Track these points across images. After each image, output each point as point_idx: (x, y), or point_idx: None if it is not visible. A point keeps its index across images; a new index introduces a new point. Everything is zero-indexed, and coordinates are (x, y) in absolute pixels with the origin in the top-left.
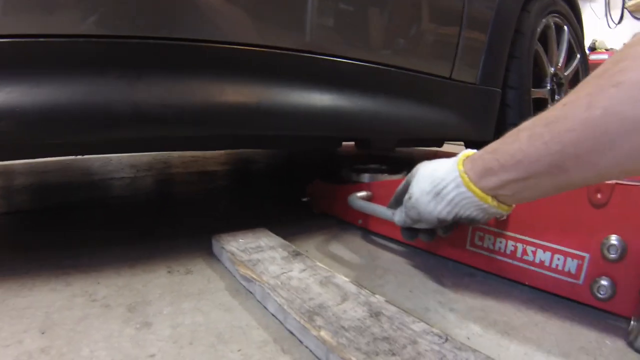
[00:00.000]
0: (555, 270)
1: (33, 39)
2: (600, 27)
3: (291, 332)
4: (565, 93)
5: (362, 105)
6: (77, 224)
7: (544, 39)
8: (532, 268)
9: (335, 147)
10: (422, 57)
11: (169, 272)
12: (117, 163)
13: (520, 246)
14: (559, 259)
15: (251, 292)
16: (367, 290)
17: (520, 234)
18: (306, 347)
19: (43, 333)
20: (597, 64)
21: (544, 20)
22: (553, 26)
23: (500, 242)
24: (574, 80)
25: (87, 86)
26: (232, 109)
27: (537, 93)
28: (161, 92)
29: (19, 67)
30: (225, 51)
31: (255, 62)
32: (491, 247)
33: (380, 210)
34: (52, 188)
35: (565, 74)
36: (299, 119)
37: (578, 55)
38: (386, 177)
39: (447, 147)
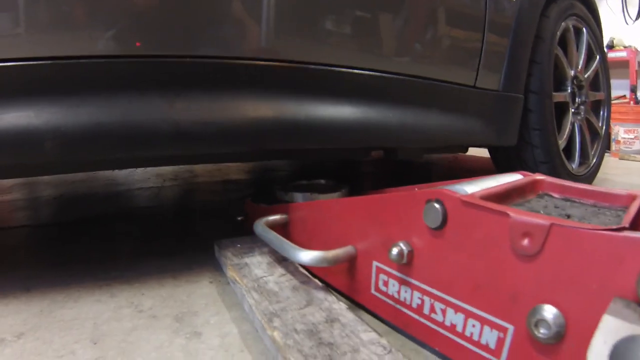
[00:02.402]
0: (470, 340)
1: (74, 60)
2: (617, 24)
3: (257, 330)
4: (586, 95)
5: (390, 116)
6: (110, 236)
7: (563, 42)
8: (442, 331)
9: (365, 157)
10: (448, 67)
11: (210, 282)
12: (142, 172)
13: (427, 300)
14: (473, 326)
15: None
16: (334, 297)
17: (427, 285)
18: (265, 344)
19: (95, 344)
20: (616, 61)
21: (562, 23)
22: (572, 29)
23: (406, 292)
24: (594, 82)
25: (127, 105)
26: (268, 125)
27: (558, 97)
28: (200, 111)
29: (62, 88)
30: (258, 68)
31: (288, 77)
32: (396, 295)
33: (283, 244)
34: (80, 199)
35: (585, 75)
36: (332, 132)
37: (597, 56)
38: (316, 197)
39: (471, 151)
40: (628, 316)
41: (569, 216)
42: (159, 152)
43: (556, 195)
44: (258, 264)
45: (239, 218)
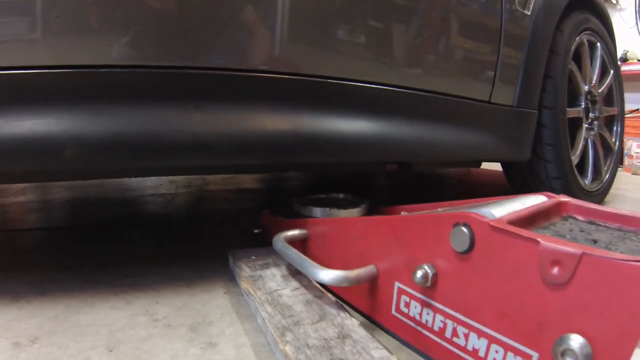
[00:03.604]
0: None
1: (95, 70)
2: (631, 37)
3: (269, 343)
4: (599, 111)
5: (407, 131)
6: (124, 241)
7: (577, 57)
8: (464, 355)
9: (380, 170)
10: (464, 83)
11: (225, 292)
12: (155, 179)
13: (450, 324)
14: (497, 352)
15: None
16: (347, 313)
17: (451, 309)
18: (277, 358)
19: (110, 351)
20: (630, 75)
21: (577, 38)
22: (586, 44)
23: (428, 314)
24: (608, 97)
25: (146, 115)
26: (285, 138)
27: (572, 112)
28: (217, 122)
29: (82, 97)
30: (276, 81)
31: (305, 91)
32: (418, 317)
33: (304, 263)
34: (93, 203)
35: (599, 90)
36: (349, 146)
37: (611, 71)
38: (336, 212)
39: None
40: None
41: (595, 241)
42: (176, 163)
43: (580, 218)
44: (272, 277)
45: (256, 231)
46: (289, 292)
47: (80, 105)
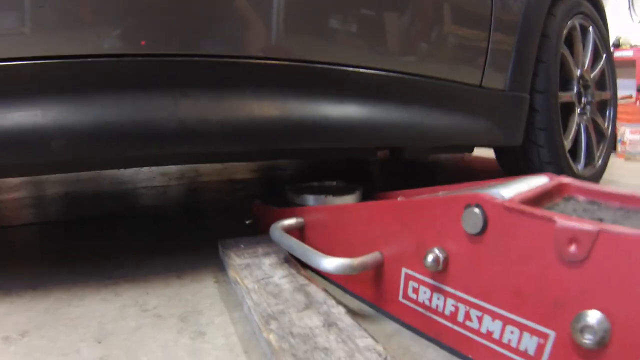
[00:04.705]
0: (507, 347)
1: (80, 60)
2: (623, 23)
3: (254, 332)
4: (592, 95)
5: (397, 115)
6: (116, 234)
7: (569, 41)
8: (478, 339)
9: (371, 156)
10: (454, 67)
11: (215, 281)
12: (148, 171)
13: (462, 307)
14: (512, 333)
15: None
16: (334, 300)
17: (463, 292)
18: (262, 347)
19: (99, 342)
20: (622, 61)
21: (569, 22)
22: (578, 28)
23: (438, 299)
24: (601, 81)
25: (133, 104)
26: (273, 124)
27: (564, 96)
28: (205, 109)
29: (68, 87)
30: (262, 66)
31: (294, 76)
32: (427, 303)
33: (306, 252)
34: (86, 198)
35: (592, 75)
36: (338, 131)
37: (604, 55)
38: (331, 199)
39: (477, 152)
40: None
41: (601, 219)
42: (165, 151)
43: (582, 199)
44: (260, 265)
45: (247, 221)
46: (277, 280)
47: (67, 96)
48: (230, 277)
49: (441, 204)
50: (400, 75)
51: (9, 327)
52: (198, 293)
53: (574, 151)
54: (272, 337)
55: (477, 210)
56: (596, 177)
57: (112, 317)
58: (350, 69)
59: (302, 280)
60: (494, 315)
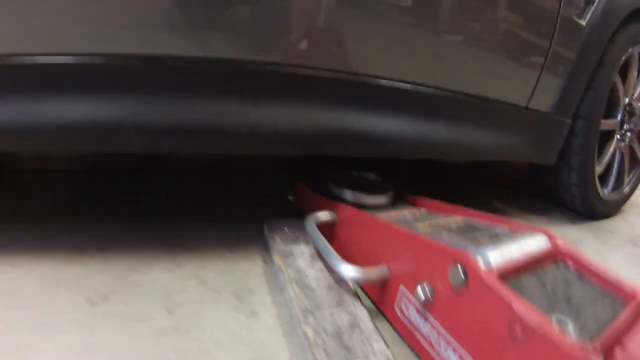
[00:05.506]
0: None
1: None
2: None
3: (292, 319)
4: (635, 123)
5: (445, 132)
6: (167, 193)
7: (623, 69)
8: None
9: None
10: (504, 88)
11: (264, 262)
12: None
13: (435, 335)
14: None
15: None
16: (359, 301)
17: (440, 323)
18: (299, 336)
19: (169, 312)
20: None
21: (629, 50)
22: (637, 56)
23: (422, 321)
24: None
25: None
26: (335, 134)
27: (606, 124)
28: (273, 116)
29: (148, 86)
30: (331, 81)
31: (351, 89)
32: (412, 320)
33: (329, 256)
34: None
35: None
36: (392, 143)
37: None
38: (364, 198)
39: None
40: None
41: (569, 299)
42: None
43: (571, 267)
44: (302, 255)
45: (290, 197)
46: (315, 273)
47: (149, 94)
48: (274, 261)
49: (438, 251)
50: (452, 94)
51: (92, 291)
52: (250, 271)
53: (604, 175)
54: (309, 332)
55: (460, 269)
56: (620, 203)
57: (175, 287)
58: (407, 85)
59: (336, 275)
60: (457, 351)
